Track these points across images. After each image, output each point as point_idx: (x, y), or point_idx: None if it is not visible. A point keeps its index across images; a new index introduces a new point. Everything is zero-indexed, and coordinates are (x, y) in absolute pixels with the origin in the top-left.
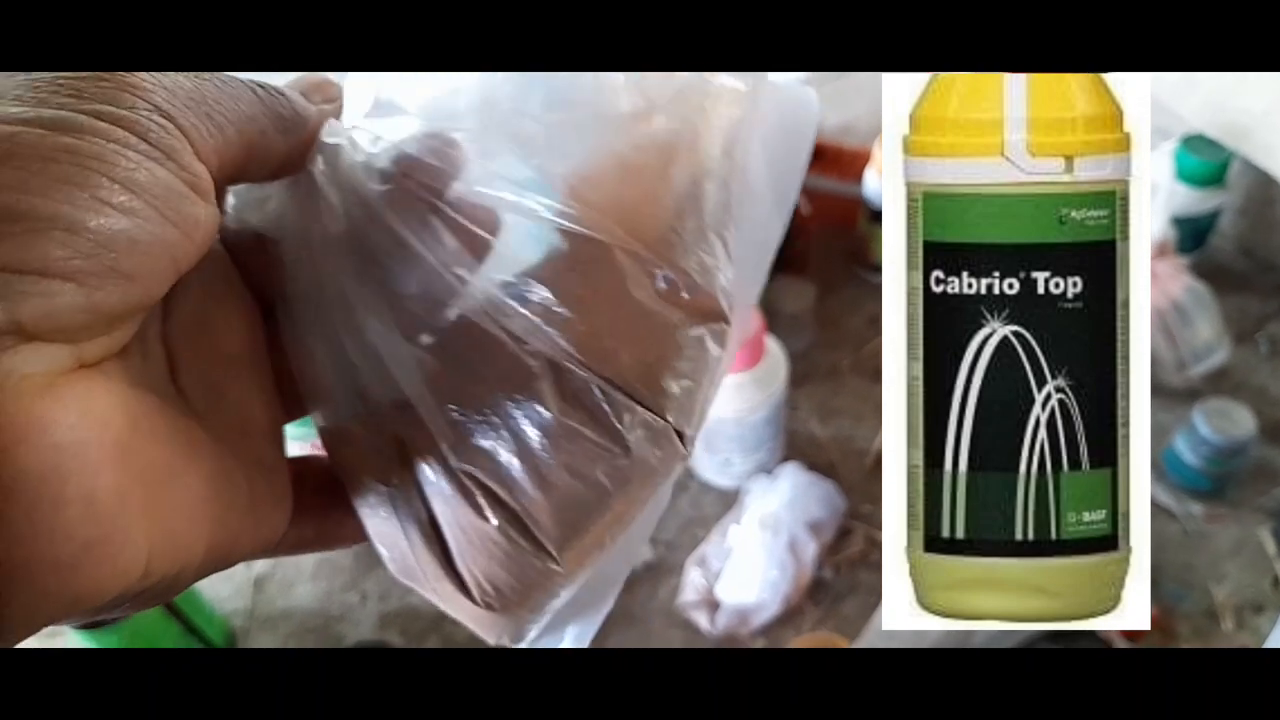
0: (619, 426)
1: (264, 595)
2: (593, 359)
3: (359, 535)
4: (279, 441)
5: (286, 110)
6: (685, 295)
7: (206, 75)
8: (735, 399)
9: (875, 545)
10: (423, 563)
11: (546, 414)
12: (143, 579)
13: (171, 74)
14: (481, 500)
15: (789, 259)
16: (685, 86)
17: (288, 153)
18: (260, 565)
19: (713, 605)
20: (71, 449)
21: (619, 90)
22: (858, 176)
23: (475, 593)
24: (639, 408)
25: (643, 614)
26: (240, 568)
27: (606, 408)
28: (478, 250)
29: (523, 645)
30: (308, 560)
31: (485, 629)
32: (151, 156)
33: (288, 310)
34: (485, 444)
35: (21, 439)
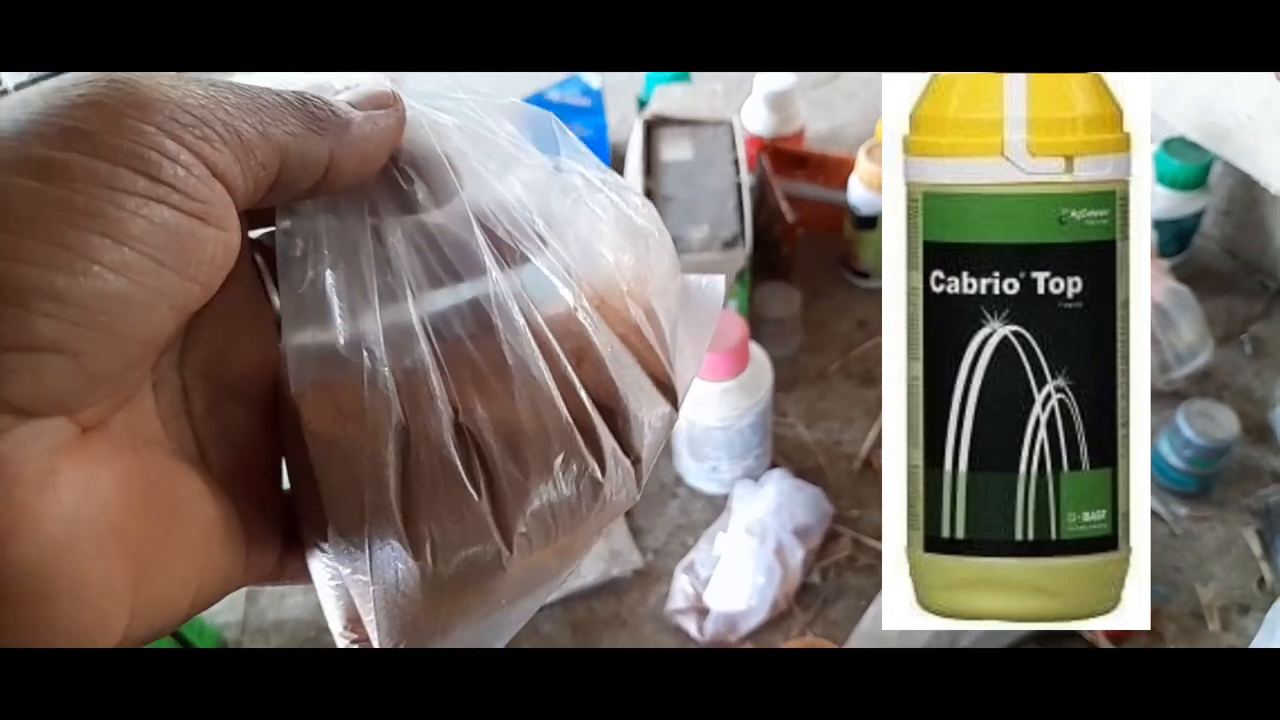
0: (601, 442)
1: (256, 607)
2: (593, 373)
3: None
4: (277, 477)
5: (321, 110)
6: (664, 369)
7: (223, 81)
8: (721, 406)
9: (862, 549)
10: (376, 504)
11: (549, 406)
12: (120, 643)
13: (185, 82)
14: (476, 465)
15: (775, 265)
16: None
17: (333, 157)
18: None
19: (702, 612)
20: (64, 542)
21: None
22: (843, 183)
23: (426, 544)
24: (613, 437)
25: (633, 620)
26: None
27: (596, 420)
28: (510, 257)
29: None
30: None
31: (392, 615)
32: (152, 196)
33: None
34: (490, 418)
35: (14, 532)
